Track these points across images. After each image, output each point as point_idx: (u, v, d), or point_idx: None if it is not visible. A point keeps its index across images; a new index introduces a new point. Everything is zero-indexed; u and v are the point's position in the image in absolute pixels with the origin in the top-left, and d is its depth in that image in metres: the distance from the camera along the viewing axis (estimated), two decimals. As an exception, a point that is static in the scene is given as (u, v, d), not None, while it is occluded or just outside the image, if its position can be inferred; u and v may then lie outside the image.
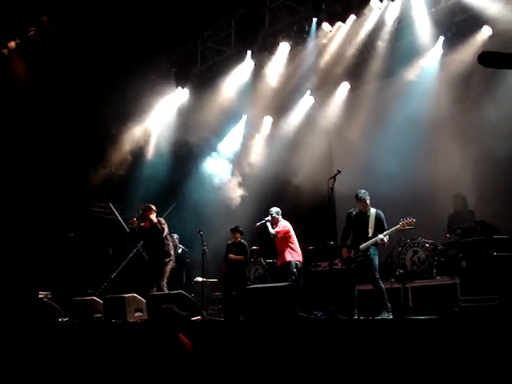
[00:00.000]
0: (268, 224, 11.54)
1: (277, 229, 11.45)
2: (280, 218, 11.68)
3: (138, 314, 10.43)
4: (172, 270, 12.69)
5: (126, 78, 13.42)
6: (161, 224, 11.23)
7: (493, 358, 5.86)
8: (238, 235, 12.96)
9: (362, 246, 9.66)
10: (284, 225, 11.56)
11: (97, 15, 12.88)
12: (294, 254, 11.36)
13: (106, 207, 15.92)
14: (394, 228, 9.65)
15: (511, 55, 6.03)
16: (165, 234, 11.22)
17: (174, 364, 6.47)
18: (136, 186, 15.44)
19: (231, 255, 12.79)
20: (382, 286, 9.58)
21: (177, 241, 13.91)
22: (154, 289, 10.96)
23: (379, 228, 9.72)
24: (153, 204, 11.53)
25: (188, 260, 14.28)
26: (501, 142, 11.88)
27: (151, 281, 11.10)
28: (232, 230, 13.00)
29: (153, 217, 11.31)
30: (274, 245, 11.72)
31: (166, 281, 11.12)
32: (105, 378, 8.65)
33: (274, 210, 11.70)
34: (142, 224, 11.38)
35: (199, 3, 12.59)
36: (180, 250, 14.11)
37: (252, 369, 7.73)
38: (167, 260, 11.22)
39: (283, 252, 11.41)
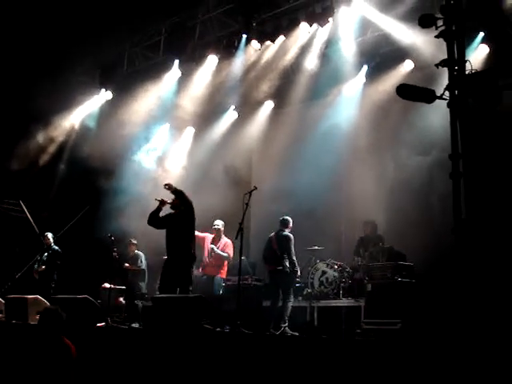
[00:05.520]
0: (213, 247, 11.47)
1: (228, 250, 11.41)
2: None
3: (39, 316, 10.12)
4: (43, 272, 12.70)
5: (50, 73, 13.10)
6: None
7: (391, 381, 6.05)
8: (133, 248, 13.01)
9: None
10: (227, 241, 11.54)
11: (24, 8, 12.56)
12: (224, 270, 11.50)
13: (17, 204, 15.34)
14: None
15: (425, 89, 6.37)
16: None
17: (56, 367, 6.27)
18: (51, 185, 15.02)
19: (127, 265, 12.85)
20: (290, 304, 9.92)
21: (51, 240, 13.41)
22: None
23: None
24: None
25: (58, 262, 13.39)
26: (415, 175, 12.27)
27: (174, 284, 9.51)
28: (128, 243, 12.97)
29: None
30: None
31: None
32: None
33: (221, 223, 11.64)
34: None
35: (130, 7, 12.46)
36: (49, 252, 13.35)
37: (153, 377, 7.69)
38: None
39: (219, 266, 11.45)
